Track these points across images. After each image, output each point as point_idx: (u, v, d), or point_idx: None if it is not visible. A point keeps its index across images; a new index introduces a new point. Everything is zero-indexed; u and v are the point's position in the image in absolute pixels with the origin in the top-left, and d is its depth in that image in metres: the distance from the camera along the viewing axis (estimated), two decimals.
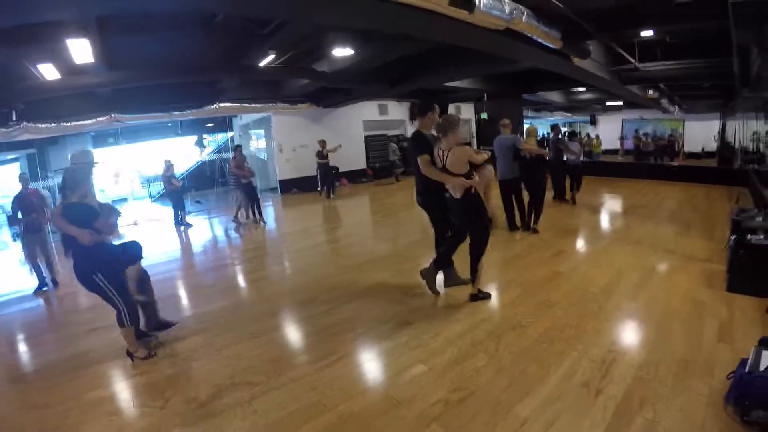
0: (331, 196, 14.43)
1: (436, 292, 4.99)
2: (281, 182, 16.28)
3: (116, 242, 4.42)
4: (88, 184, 4.07)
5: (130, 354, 4.11)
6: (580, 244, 7.28)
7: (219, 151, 19.77)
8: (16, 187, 6.90)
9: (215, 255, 8.70)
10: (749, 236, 4.55)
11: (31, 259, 6.78)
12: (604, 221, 9.10)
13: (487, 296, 4.83)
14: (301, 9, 5.02)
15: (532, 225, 7.65)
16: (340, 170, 16.31)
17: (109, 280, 3.96)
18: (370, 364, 3.72)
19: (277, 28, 7.12)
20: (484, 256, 4.72)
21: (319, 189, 14.88)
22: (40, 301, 6.31)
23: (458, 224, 4.82)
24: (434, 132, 4.80)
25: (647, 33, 8.53)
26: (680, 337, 3.66)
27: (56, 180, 13.89)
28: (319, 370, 3.63)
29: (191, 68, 8.94)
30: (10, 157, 16.35)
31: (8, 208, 11.39)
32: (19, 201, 6.70)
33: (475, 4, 4.69)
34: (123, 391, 3.65)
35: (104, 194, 17.76)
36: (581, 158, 10.93)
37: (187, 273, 7.47)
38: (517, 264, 6.09)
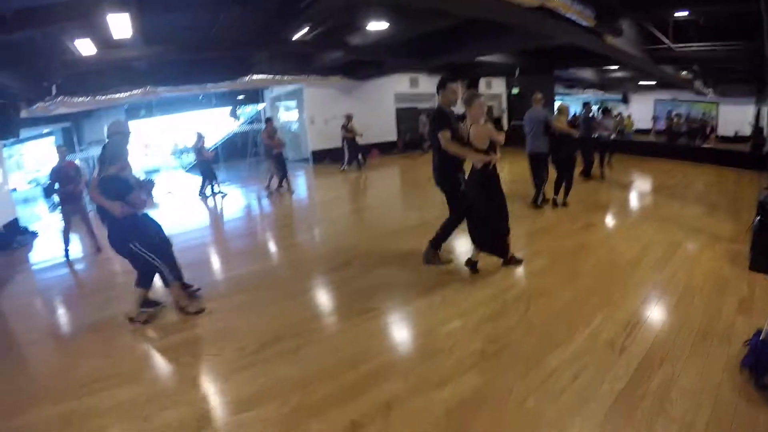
0: (361, 167, 14.60)
1: (449, 261, 5.23)
2: (313, 153, 16.55)
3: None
4: (125, 157, 4.26)
5: (182, 308, 4.37)
6: (608, 218, 7.47)
7: (251, 122, 20.11)
8: (52, 161, 7.16)
9: (250, 222, 9.11)
10: None
11: (67, 229, 7.01)
12: (633, 198, 9.24)
13: (519, 262, 5.06)
14: None
15: (563, 199, 7.77)
16: (371, 142, 16.43)
17: (146, 246, 4.20)
18: (407, 320, 4.00)
19: (314, 1, 7.20)
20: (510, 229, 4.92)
21: (343, 164, 14.72)
22: (81, 266, 6.74)
23: (472, 199, 4.80)
24: (455, 107, 4.94)
25: (682, 13, 8.54)
26: (701, 308, 3.87)
27: (90, 152, 14.42)
28: (358, 324, 3.93)
29: (227, 42, 9.09)
30: (45, 131, 16.69)
31: (44, 180, 11.83)
32: (57, 173, 6.92)
33: None
34: (176, 342, 3.93)
35: (137, 165, 18.30)
36: (612, 135, 10.98)
37: (223, 239, 7.92)
38: (547, 236, 6.33)
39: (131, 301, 4.31)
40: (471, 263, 4.89)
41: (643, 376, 2.90)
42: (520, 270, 5.01)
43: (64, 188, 6.89)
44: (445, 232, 5.14)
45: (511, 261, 5.01)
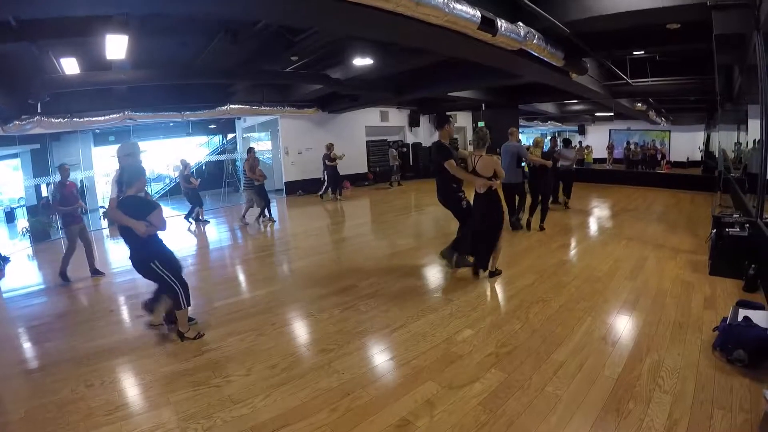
0: (338, 197, 15.00)
1: (453, 267, 6.10)
2: (287, 184, 16.86)
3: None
4: (144, 179, 4.39)
5: (180, 334, 4.42)
6: (581, 239, 8.26)
7: (222, 152, 20.37)
8: (13, 184, 7.02)
9: (245, 249, 9.38)
10: (727, 229, 5.47)
11: (71, 250, 6.91)
12: (600, 222, 10.05)
13: (500, 272, 5.90)
14: (345, 26, 5.85)
15: (540, 223, 8.47)
16: (343, 174, 16.82)
17: (166, 266, 4.32)
18: (426, 331, 4.39)
19: (306, 37, 7.65)
20: (500, 243, 5.81)
21: (321, 192, 15.25)
22: (78, 289, 6.70)
23: (474, 218, 5.75)
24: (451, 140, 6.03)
25: (638, 52, 9.47)
26: (673, 306, 4.58)
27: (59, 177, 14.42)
28: (383, 337, 4.33)
29: (211, 70, 9.32)
30: (11, 152, 16.25)
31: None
32: (62, 189, 6.93)
33: (497, 28, 5.57)
34: (199, 365, 3.98)
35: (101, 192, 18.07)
36: (573, 166, 11.51)
37: (225, 264, 8.14)
38: (530, 255, 6.98)
39: (180, 323, 4.43)
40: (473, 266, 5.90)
41: (635, 361, 3.50)
42: (516, 282, 5.65)
43: (69, 206, 6.89)
44: (465, 238, 5.99)
45: (495, 272, 5.86)
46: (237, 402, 3.36)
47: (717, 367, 3.34)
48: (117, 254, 9.25)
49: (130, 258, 4.36)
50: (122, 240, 4.35)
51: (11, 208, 16.73)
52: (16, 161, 17.41)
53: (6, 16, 5.02)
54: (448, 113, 18.51)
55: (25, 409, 3.50)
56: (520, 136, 10.54)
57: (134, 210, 4.16)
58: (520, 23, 6.04)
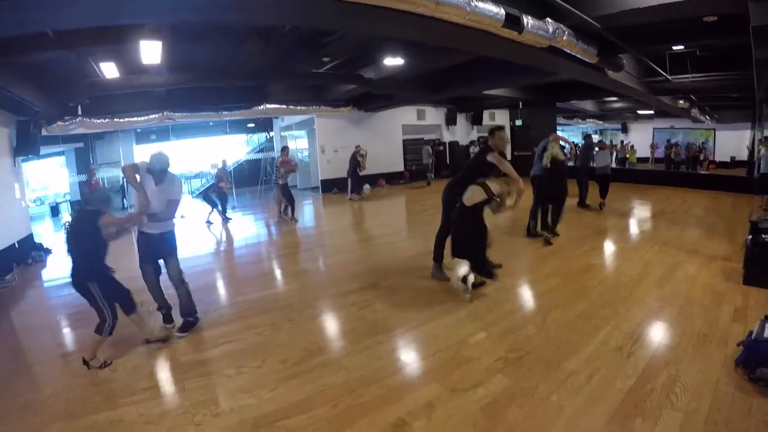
0: (361, 197, 14.95)
1: (446, 278, 5.85)
2: (322, 182, 16.97)
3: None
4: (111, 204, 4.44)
5: (86, 362, 4.07)
6: (612, 242, 7.95)
7: (261, 150, 20.60)
8: (59, 180, 7.46)
9: (278, 245, 9.49)
10: (764, 236, 5.16)
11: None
12: (634, 224, 9.70)
13: (498, 265, 5.50)
14: (367, 27, 5.80)
15: (552, 228, 7.89)
16: (379, 172, 17.01)
17: (104, 292, 4.09)
18: (439, 333, 4.34)
19: (335, 39, 7.71)
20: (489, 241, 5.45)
21: (349, 193, 15.06)
22: None
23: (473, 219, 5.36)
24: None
25: (678, 47, 9.08)
26: (700, 317, 4.33)
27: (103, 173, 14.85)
28: (394, 337, 4.31)
29: (245, 73, 9.46)
30: (57, 150, 17.08)
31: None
32: (88, 187, 7.42)
33: (523, 25, 5.42)
34: (216, 356, 4.14)
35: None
36: (610, 169, 11.00)
37: (255, 260, 8.29)
38: (556, 258, 6.78)
39: (90, 348, 4.16)
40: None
41: (649, 375, 3.33)
42: (536, 287, 5.52)
43: None
44: (440, 246, 5.90)
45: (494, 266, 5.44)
46: (246, 392, 3.48)
47: (737, 386, 3.14)
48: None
49: (72, 271, 4.17)
50: (69, 250, 4.22)
51: (56, 203, 17.44)
52: (62, 159, 18.35)
53: (44, 28, 5.19)
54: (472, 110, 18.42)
55: (53, 389, 3.77)
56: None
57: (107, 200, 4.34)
58: (549, 19, 5.86)
